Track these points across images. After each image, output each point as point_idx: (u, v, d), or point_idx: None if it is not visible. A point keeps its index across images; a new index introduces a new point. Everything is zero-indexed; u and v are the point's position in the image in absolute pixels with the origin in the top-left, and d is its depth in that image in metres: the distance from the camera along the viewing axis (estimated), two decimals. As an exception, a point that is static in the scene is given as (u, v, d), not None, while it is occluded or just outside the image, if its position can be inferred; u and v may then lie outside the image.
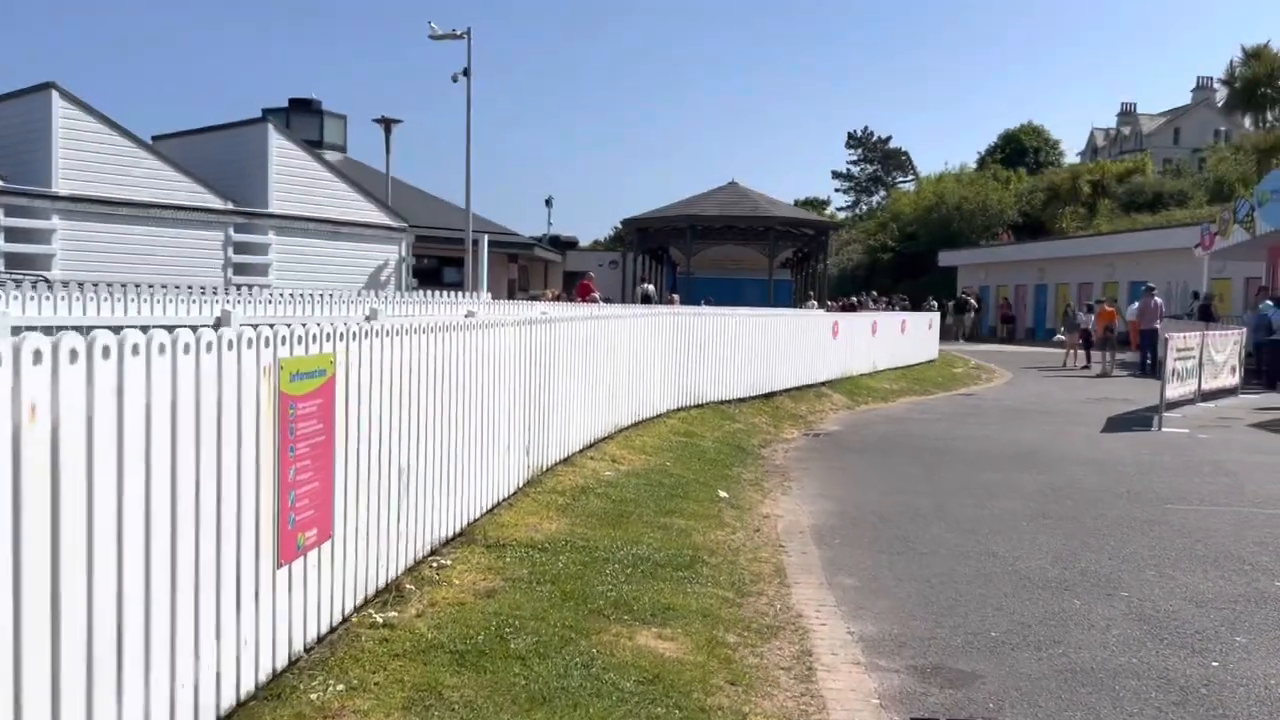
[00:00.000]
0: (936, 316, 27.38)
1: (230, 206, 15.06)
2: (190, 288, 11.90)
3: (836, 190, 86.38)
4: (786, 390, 16.12)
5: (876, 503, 8.68)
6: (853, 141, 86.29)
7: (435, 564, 5.18)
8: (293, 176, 15.93)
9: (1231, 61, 42.09)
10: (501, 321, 6.50)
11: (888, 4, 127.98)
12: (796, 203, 49.82)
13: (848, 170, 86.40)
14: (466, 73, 22.73)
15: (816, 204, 74.42)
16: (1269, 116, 41.70)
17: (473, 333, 5.83)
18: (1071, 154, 73.14)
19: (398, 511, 4.80)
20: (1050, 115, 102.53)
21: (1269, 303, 22.83)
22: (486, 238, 18.53)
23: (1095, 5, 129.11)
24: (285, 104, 42.74)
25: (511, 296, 29.16)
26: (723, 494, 8.31)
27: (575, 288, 27.81)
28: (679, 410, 12.31)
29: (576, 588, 5.00)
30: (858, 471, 10.43)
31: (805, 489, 9.30)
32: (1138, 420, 15.31)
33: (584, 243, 63.76)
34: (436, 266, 39.02)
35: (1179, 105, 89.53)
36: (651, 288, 27.03)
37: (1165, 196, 49.96)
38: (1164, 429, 14.19)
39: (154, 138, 18.17)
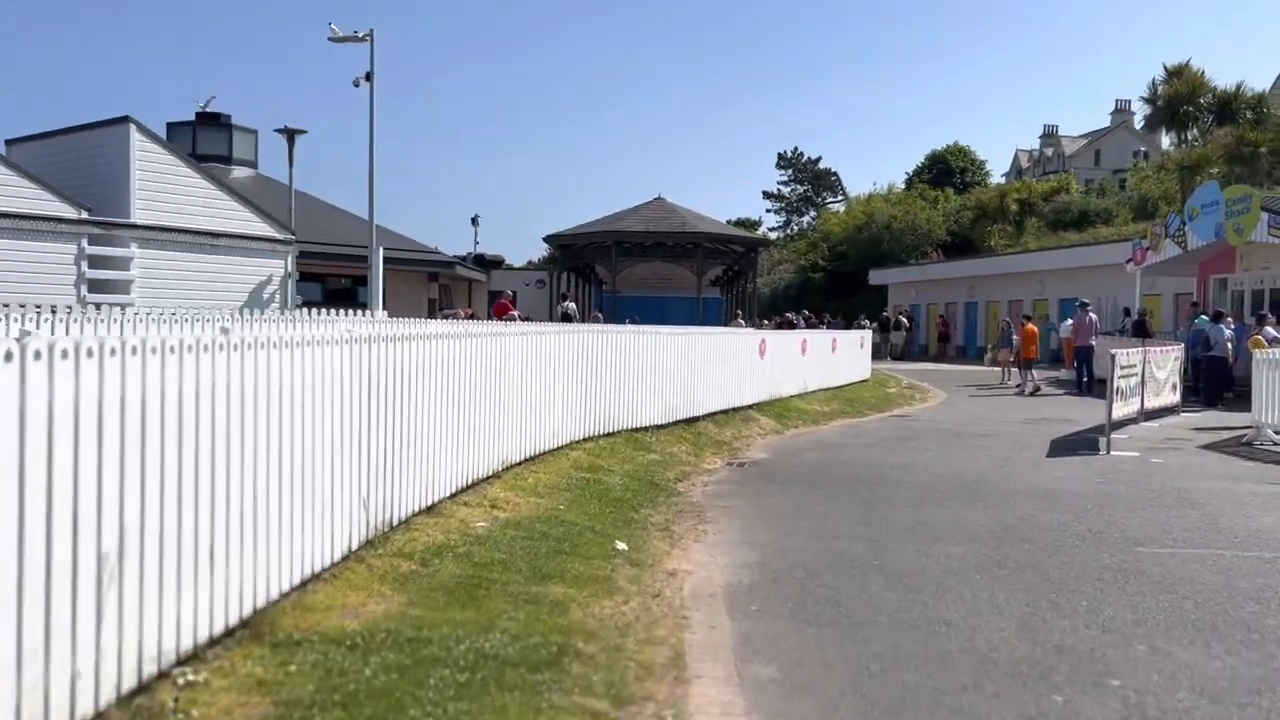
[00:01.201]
0: (868, 334, 26.44)
1: (84, 215, 13.31)
2: (35, 307, 10.21)
3: (768, 210, 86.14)
4: (711, 415, 14.81)
5: (805, 550, 7.35)
6: (783, 162, 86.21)
7: (184, 678, 3.68)
8: (160, 183, 14.23)
9: (1153, 80, 42.33)
10: (316, 340, 5.01)
11: (815, 25, 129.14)
12: (729, 223, 48.98)
13: (778, 190, 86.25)
14: (369, 77, 21.20)
15: (748, 224, 73.89)
16: (1190, 134, 41.99)
17: (259, 354, 4.35)
18: (997, 174, 73.85)
19: (100, 613, 3.28)
20: (976, 137, 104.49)
21: (1204, 317, 22.28)
22: (381, 250, 16.96)
23: (1016, 29, 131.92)
24: (192, 119, 40.71)
25: (431, 316, 27.47)
26: (621, 546, 6.89)
27: (493, 307, 26.34)
28: (586, 441, 10.88)
29: (377, 714, 3.53)
30: (785, 509, 9.11)
31: (723, 534, 7.94)
32: (1083, 443, 14.31)
33: (518, 263, 62.07)
34: (350, 286, 37.12)
35: (1099, 128, 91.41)
36: (573, 306, 25.66)
37: (1091, 214, 50.28)
38: (1113, 452, 13.19)
39: (7, 142, 16.32)
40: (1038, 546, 7.52)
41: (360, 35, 21.04)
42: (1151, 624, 5.49)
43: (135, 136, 13.63)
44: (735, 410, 15.75)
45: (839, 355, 22.29)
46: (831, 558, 7.11)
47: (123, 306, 11.91)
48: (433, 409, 6.92)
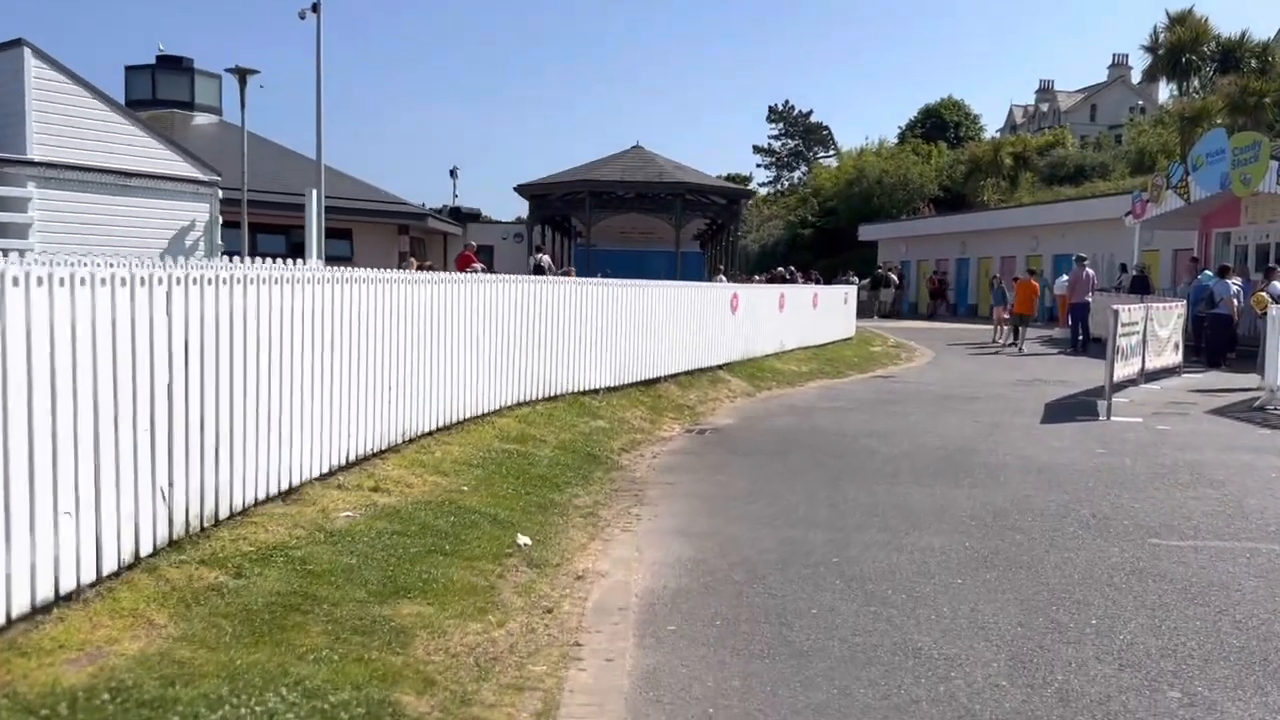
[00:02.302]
0: (853, 290, 25.10)
1: (-29, 152, 11.87)
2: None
3: (758, 165, 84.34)
4: (674, 375, 13.51)
5: (753, 542, 6.08)
6: (774, 116, 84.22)
7: None
8: (63, 115, 12.73)
9: (1155, 27, 40.60)
10: (65, 277, 3.67)
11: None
12: (720, 178, 47.26)
13: (769, 145, 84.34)
14: (315, 8, 19.58)
15: (739, 179, 72.21)
16: (1193, 84, 40.40)
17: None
18: (991, 130, 72.13)
19: None
20: (970, 92, 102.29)
21: (1208, 272, 20.99)
22: (315, 192, 15.48)
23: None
24: (152, 62, 38.83)
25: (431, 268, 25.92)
26: (523, 540, 5.61)
27: (455, 259, 24.95)
28: (521, 406, 9.57)
29: None
30: (740, 487, 7.84)
31: (659, 519, 6.67)
32: (1081, 407, 13.07)
33: (507, 218, 60.22)
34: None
35: (1096, 83, 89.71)
36: (547, 258, 24.21)
37: (1087, 169, 48.78)
38: (1114, 417, 11.95)
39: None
40: (1033, 538, 6.27)
41: (305, -38, 19.37)
42: (1183, 654, 4.24)
43: (31, 62, 12.14)
44: (703, 371, 14.45)
45: (820, 312, 20.96)
46: (783, 552, 5.85)
47: (21, 252, 10.52)
48: (290, 370, 5.60)
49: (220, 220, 15.11)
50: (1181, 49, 38.49)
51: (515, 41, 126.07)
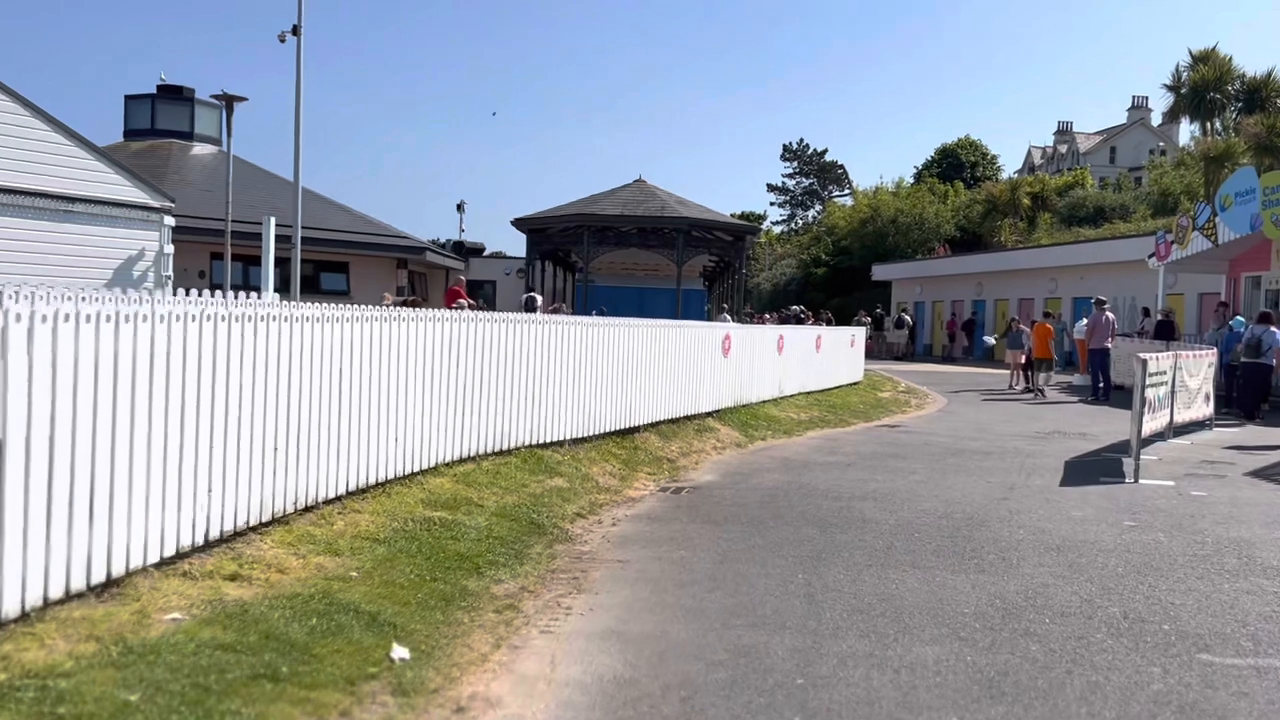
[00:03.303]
0: (860, 332, 23.88)
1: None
2: None
3: (772, 204, 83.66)
4: (656, 424, 12.33)
5: (700, 652, 4.87)
6: (788, 154, 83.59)
7: None
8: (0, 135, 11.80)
9: (1178, 66, 39.64)
10: None
11: (823, 16, 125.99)
12: (733, 216, 46.17)
13: (783, 183, 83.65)
14: (296, 30, 18.74)
15: (753, 217, 71.50)
16: (1217, 124, 39.30)
17: None
18: (1009, 171, 71.13)
19: None
20: (988, 132, 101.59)
21: (1240, 318, 19.72)
22: (272, 219, 14.45)
23: (1031, 23, 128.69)
24: (152, 91, 38.32)
25: (414, 304, 24.86)
26: (398, 653, 4.41)
27: (444, 294, 23.93)
28: (464, 462, 8.40)
29: None
30: (702, 568, 6.62)
31: (593, 614, 5.46)
32: (1105, 466, 11.80)
33: (517, 253, 59.33)
34: (312, 273, 34.67)
35: (1115, 125, 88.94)
36: (540, 297, 23.14)
37: (1107, 210, 47.62)
38: (1142, 479, 10.69)
39: None
40: (1051, 649, 5.03)
41: (288, -16, 18.54)
42: None
43: (-35, 78, 11.21)
44: (690, 419, 13.27)
45: (825, 354, 19.75)
46: (736, 669, 4.63)
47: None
48: (117, 423, 4.46)
49: (171, 250, 14.13)
50: (1205, 88, 37.47)
51: (530, 81, 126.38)
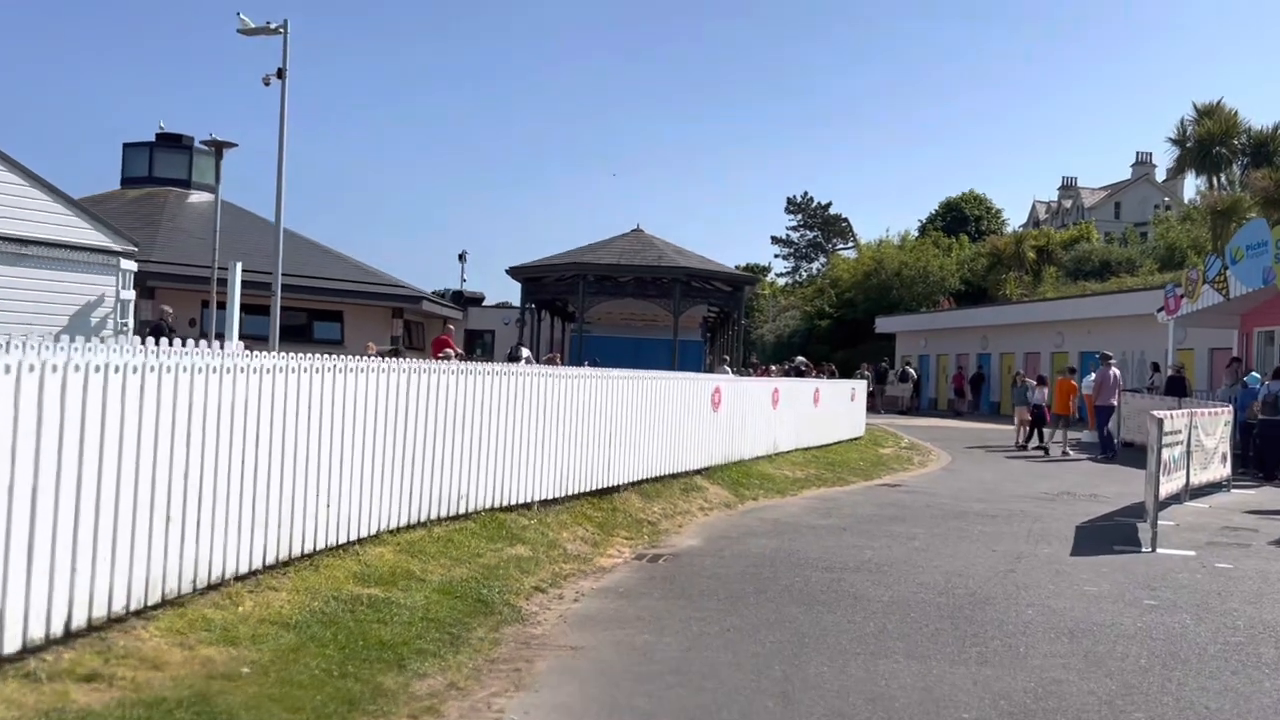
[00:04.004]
0: (861, 385, 23.12)
1: None
2: None
3: (776, 256, 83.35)
4: (638, 483, 11.54)
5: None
6: (792, 207, 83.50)
7: None
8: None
9: (1182, 120, 39.28)
10: None
11: (828, 70, 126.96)
12: (737, 268, 45.62)
13: (787, 236, 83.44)
14: (281, 74, 18.31)
15: (757, 269, 71.11)
16: (1223, 178, 38.81)
17: None
18: (1014, 225, 70.79)
19: None
20: (992, 187, 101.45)
21: (1255, 374, 18.92)
22: (239, 265, 13.76)
23: (1036, 79, 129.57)
24: (150, 139, 38.15)
25: (395, 355, 24.18)
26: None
27: (431, 343, 23.31)
28: (414, 528, 7.62)
29: None
30: (667, 655, 5.81)
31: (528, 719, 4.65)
32: (1119, 533, 10.97)
33: (519, 303, 58.72)
34: (305, 322, 34.08)
35: (1120, 180, 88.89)
36: (526, 351, 22.44)
37: (1113, 264, 47.00)
38: (1159, 549, 9.86)
39: None
40: (1068, 771, 4.20)
41: (273, 27, 18.20)
42: None
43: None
44: (676, 477, 12.47)
45: (823, 408, 18.97)
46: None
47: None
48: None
49: (132, 295, 13.49)
50: (1211, 141, 37.05)
51: (534, 132, 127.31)
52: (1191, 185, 55.09)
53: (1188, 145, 38.37)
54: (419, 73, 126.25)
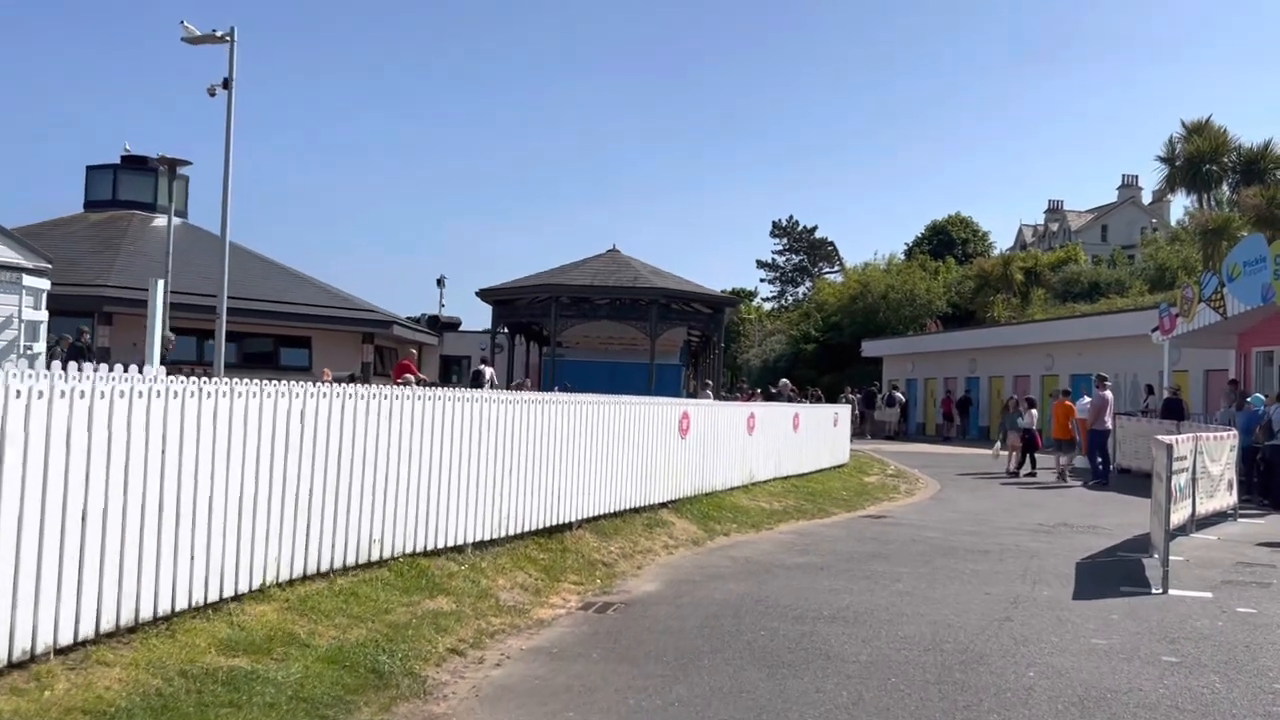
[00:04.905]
0: (845, 410, 22.10)
1: None
2: None
3: (762, 280, 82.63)
4: (594, 519, 10.46)
5: None
6: (777, 231, 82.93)
7: None
8: None
9: (1171, 138, 38.60)
10: None
11: (813, 96, 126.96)
12: (724, 292, 44.69)
13: (773, 260, 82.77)
14: (227, 84, 17.33)
15: (743, 294, 70.29)
16: (1213, 196, 38.13)
17: None
18: (1001, 248, 70.23)
19: None
20: (979, 210, 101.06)
21: (1259, 396, 17.98)
22: (160, 282, 12.63)
23: (1021, 103, 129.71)
24: (115, 161, 37.19)
25: (366, 380, 23.11)
26: None
27: (393, 369, 22.26)
28: (314, 579, 6.52)
29: None
30: (591, 742, 4.73)
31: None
32: (1124, 570, 9.94)
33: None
34: (272, 348, 32.98)
35: (1106, 203, 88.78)
36: (490, 370, 21.40)
37: (1102, 285, 46.29)
38: (1171, 589, 8.82)
39: None
40: None
41: (220, 35, 17.24)
42: None
43: None
44: (639, 511, 11.40)
45: (804, 435, 17.91)
46: None
47: None
48: None
49: (43, 317, 12.40)
50: (1201, 159, 36.38)
51: (518, 157, 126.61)
52: (1179, 207, 54.56)
53: (1177, 163, 37.69)
54: (404, 95, 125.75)
